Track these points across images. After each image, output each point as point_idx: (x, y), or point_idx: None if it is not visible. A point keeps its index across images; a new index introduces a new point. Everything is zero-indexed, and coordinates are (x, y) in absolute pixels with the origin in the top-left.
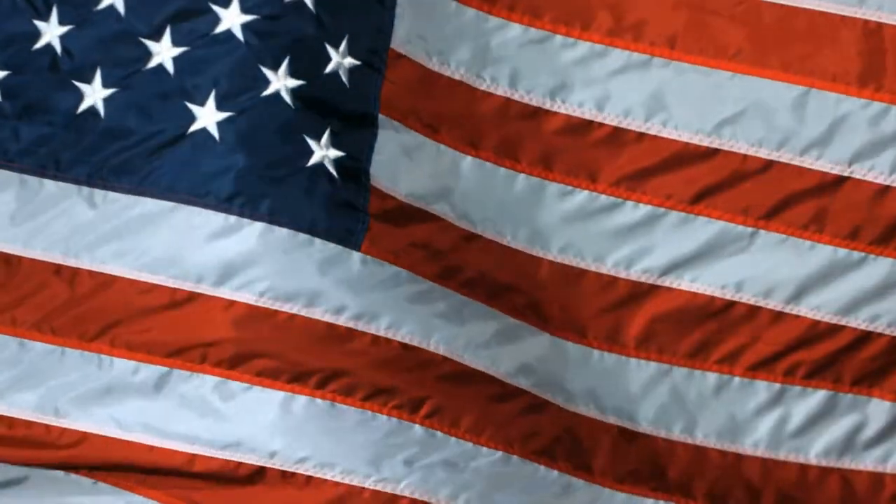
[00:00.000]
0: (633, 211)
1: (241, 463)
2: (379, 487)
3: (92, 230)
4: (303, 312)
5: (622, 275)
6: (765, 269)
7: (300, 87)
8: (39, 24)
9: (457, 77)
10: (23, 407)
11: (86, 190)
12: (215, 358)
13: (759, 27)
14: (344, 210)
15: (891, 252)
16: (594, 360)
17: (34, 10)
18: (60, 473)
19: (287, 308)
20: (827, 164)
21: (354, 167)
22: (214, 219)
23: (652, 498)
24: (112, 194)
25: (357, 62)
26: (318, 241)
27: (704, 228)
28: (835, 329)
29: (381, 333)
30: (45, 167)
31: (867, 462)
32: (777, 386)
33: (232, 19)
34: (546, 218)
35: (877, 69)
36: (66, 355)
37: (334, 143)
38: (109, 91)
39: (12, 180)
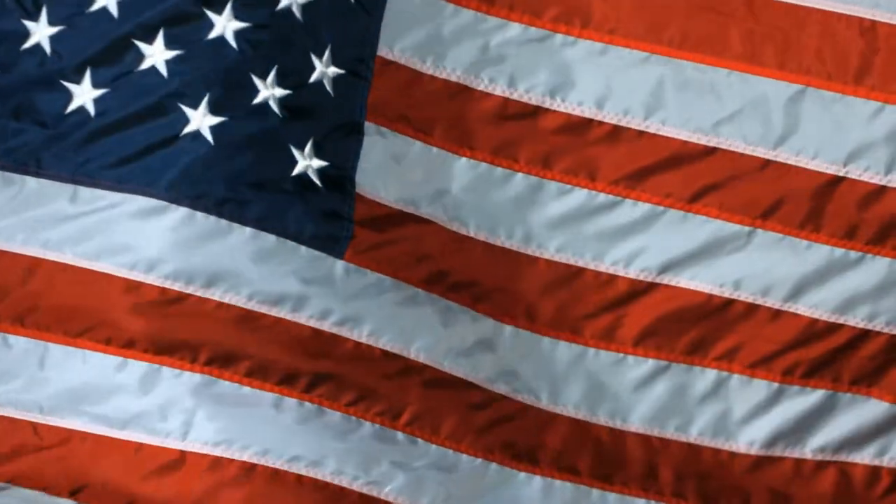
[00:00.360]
0: (632, 209)
1: (232, 459)
2: (366, 490)
3: (75, 226)
4: (288, 317)
5: (620, 273)
6: (762, 267)
7: (286, 96)
8: (28, 23)
9: (453, 79)
10: (4, 404)
11: (70, 187)
12: (205, 357)
13: (756, 25)
14: (329, 218)
15: (888, 252)
16: (588, 359)
17: (23, 10)
18: (41, 494)
19: (274, 312)
20: (823, 163)
21: (339, 176)
22: (205, 222)
23: (644, 498)
24: (98, 191)
25: (341, 71)
26: (303, 248)
27: (702, 227)
28: (833, 327)
29: (364, 340)
30: (27, 164)
31: (864, 456)
32: (776, 385)
33: (225, 25)
34: (544, 217)
35: (872, 68)
36: (50, 350)
37: (318, 152)
38: (100, 91)
39: None
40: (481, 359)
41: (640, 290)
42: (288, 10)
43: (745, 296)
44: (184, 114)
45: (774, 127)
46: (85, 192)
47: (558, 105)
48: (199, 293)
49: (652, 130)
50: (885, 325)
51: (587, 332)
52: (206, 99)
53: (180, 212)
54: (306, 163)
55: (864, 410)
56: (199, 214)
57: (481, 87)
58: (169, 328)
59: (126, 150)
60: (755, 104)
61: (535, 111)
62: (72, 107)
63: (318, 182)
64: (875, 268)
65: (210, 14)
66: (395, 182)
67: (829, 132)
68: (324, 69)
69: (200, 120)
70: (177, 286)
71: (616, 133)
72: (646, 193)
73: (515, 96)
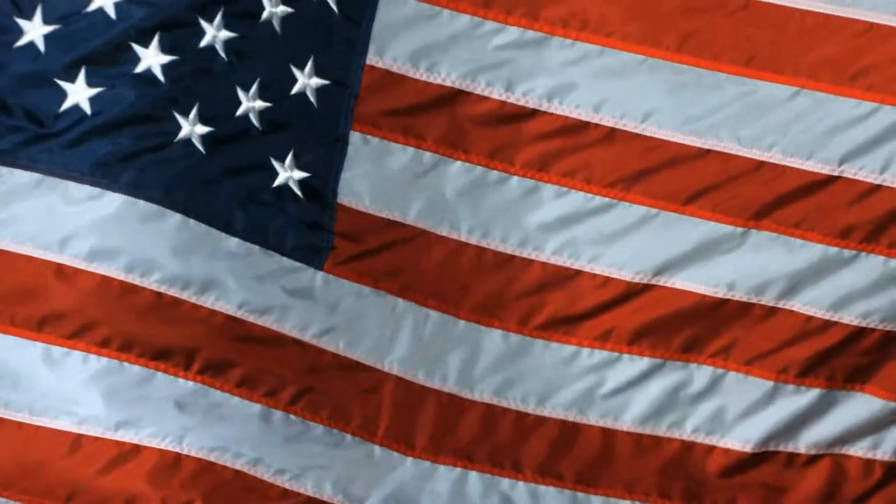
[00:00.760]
0: (628, 212)
1: (224, 466)
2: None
3: (67, 223)
4: (274, 327)
5: (616, 275)
6: (757, 266)
7: (267, 109)
8: (22, 22)
9: (448, 84)
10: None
11: (63, 183)
12: (199, 364)
13: (751, 28)
14: (309, 229)
15: (882, 250)
16: (582, 359)
17: (17, 9)
18: None
19: (261, 322)
20: (818, 164)
21: (319, 187)
22: (197, 229)
23: (628, 499)
24: (87, 188)
25: (325, 81)
26: (285, 259)
27: (697, 229)
28: (828, 325)
29: (340, 352)
30: (17, 157)
31: (857, 450)
32: (771, 384)
33: (215, 35)
34: (540, 219)
35: (867, 69)
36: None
37: (299, 164)
38: (95, 91)
39: None
40: (465, 367)
41: (635, 291)
42: (269, 22)
43: (739, 294)
44: (176, 121)
45: (769, 129)
46: (75, 188)
47: (555, 108)
48: (193, 300)
49: (648, 133)
50: (878, 323)
51: (582, 333)
52: (196, 107)
53: (175, 217)
54: (287, 174)
55: (858, 406)
56: (192, 222)
57: (478, 92)
58: (162, 332)
59: (121, 151)
60: (751, 106)
61: (533, 114)
62: (66, 105)
63: (298, 193)
64: (869, 266)
65: (203, 22)
66: (380, 190)
67: (823, 133)
68: (306, 80)
69: (190, 128)
70: (173, 292)
71: (612, 136)
72: (641, 196)
73: (512, 100)
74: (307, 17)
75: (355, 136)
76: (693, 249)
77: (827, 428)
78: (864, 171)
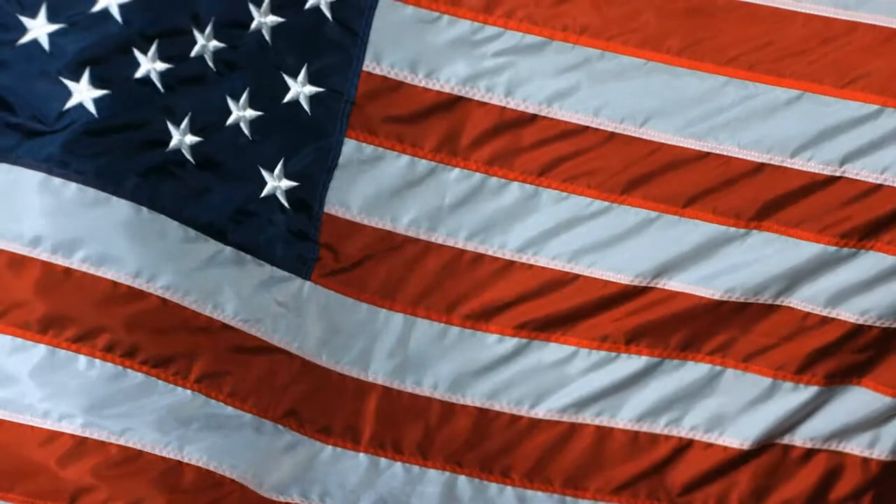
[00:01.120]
0: (628, 216)
1: (213, 473)
2: None
3: (62, 219)
4: (265, 337)
5: (615, 278)
6: (757, 267)
7: (257, 118)
8: (25, 20)
9: (447, 90)
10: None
11: (58, 181)
12: (198, 372)
13: (751, 32)
14: (297, 239)
15: (881, 246)
16: (579, 359)
17: (20, 7)
18: None
19: (254, 332)
20: (818, 165)
21: (307, 197)
22: (195, 238)
23: (615, 500)
24: (76, 184)
25: (320, 89)
26: (275, 269)
27: (697, 231)
28: (825, 321)
29: (323, 363)
30: (19, 156)
31: (853, 446)
32: (769, 381)
33: (204, 45)
34: (540, 224)
35: (870, 72)
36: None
37: (287, 173)
38: (100, 92)
39: None
40: (458, 374)
41: (634, 293)
42: (258, 31)
43: (738, 295)
44: (168, 129)
45: (770, 131)
46: (70, 186)
47: (555, 113)
48: (192, 307)
49: (648, 137)
50: (876, 319)
51: (581, 333)
52: (188, 117)
53: (172, 224)
54: (274, 184)
55: (855, 402)
56: (192, 232)
57: (478, 97)
58: (160, 335)
59: (123, 155)
60: (751, 110)
61: (533, 119)
62: (70, 104)
63: (285, 203)
64: (868, 262)
65: (195, 32)
66: (370, 199)
67: (826, 135)
68: (299, 88)
69: (180, 138)
70: (168, 295)
71: (612, 140)
72: (641, 199)
73: (512, 104)
74: (298, 25)
75: (349, 144)
76: (693, 251)
77: (824, 423)
78: (865, 171)
